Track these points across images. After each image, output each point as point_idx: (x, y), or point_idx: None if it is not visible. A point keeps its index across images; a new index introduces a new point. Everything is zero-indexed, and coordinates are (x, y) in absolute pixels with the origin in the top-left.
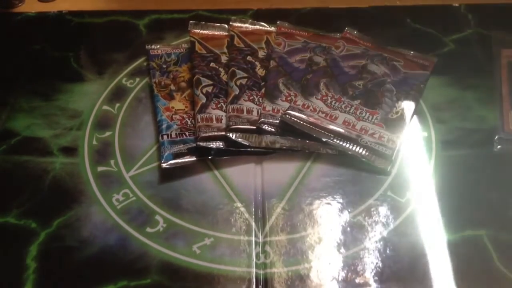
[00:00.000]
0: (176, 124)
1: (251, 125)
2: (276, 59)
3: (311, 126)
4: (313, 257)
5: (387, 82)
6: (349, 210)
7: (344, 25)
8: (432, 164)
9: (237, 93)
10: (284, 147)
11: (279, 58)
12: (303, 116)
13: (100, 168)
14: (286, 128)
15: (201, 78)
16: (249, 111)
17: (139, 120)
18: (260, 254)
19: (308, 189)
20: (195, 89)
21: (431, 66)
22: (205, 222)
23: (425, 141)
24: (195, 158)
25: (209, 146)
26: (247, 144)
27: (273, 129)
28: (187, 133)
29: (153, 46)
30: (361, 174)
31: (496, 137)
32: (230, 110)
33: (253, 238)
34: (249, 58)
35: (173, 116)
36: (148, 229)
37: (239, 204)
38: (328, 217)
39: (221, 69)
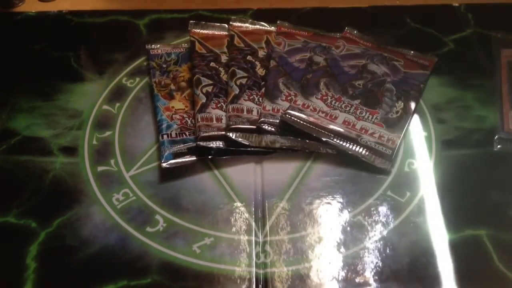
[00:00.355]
0: (176, 124)
1: (251, 124)
2: (276, 59)
3: (311, 126)
4: (313, 256)
5: (387, 81)
6: (349, 209)
7: (344, 25)
8: (432, 163)
9: (237, 92)
10: (284, 147)
11: (279, 58)
12: (303, 116)
13: (100, 168)
14: (286, 127)
15: (201, 78)
16: (249, 111)
17: (139, 120)
18: (260, 254)
19: (308, 188)
20: (195, 88)
21: (431, 66)
22: (205, 222)
23: (425, 141)
24: (195, 158)
25: (209, 145)
26: (247, 143)
27: (273, 129)
28: (187, 133)
29: (153, 46)
30: (361, 173)
31: (496, 137)
32: (230, 110)
33: (253, 238)
34: (249, 57)
35: (173, 115)
36: (148, 229)
37: (239, 204)
38: (328, 216)
39: (221, 69)
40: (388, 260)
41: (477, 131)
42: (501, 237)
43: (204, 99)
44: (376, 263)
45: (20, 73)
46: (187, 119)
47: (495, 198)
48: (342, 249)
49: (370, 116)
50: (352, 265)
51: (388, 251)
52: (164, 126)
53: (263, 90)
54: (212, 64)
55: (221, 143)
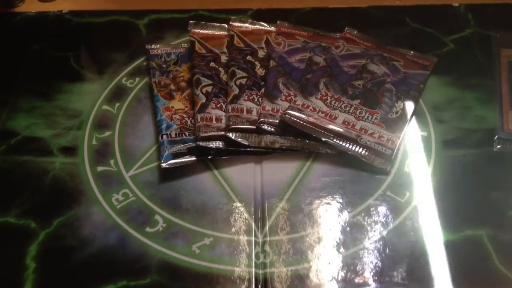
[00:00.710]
0: (176, 124)
1: (250, 125)
2: (276, 59)
3: (310, 126)
4: (312, 256)
5: (386, 82)
6: (349, 210)
7: (344, 25)
8: (432, 164)
9: (236, 93)
10: (284, 147)
11: (279, 58)
12: (303, 116)
13: (99, 168)
14: (286, 128)
15: (201, 78)
16: (249, 111)
17: (139, 120)
18: (260, 254)
19: (308, 189)
20: (195, 88)
21: (431, 66)
22: (204, 222)
23: (424, 141)
24: (194, 158)
25: (209, 146)
26: (247, 144)
27: (272, 129)
28: (186, 133)
29: (153, 46)
30: (361, 174)
31: (496, 137)
32: (229, 110)
33: (253, 238)
34: (249, 58)
35: (173, 115)
36: (148, 229)
37: (238, 204)
38: (327, 217)
39: (221, 69)
40: (387, 260)
41: (477, 131)
42: (501, 237)
43: (203, 99)
44: (376, 263)
45: (20, 73)
46: (186, 119)
47: (495, 198)
48: (342, 249)
49: (370, 116)
50: (351, 265)
51: (387, 251)
52: (163, 126)
53: (262, 90)
54: (212, 64)
55: (220, 143)
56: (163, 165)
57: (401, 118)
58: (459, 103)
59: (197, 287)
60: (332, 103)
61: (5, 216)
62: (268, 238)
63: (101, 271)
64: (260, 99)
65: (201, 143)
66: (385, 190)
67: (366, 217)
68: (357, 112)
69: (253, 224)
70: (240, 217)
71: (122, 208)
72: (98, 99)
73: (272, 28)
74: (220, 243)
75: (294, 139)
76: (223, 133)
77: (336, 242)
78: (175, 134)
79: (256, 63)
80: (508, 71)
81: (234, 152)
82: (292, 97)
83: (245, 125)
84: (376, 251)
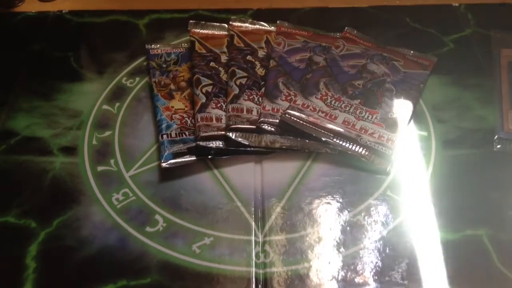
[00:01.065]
0: (176, 124)
1: (251, 124)
2: (276, 59)
3: (310, 126)
4: (312, 256)
5: (386, 81)
6: (349, 209)
7: (344, 25)
8: (432, 163)
9: (237, 92)
10: (284, 147)
11: (279, 58)
12: (303, 116)
13: (100, 168)
14: (286, 127)
15: (201, 78)
16: (249, 111)
17: (139, 120)
18: (260, 254)
19: (308, 188)
20: (195, 88)
21: (431, 65)
22: (204, 222)
23: (424, 140)
24: (195, 158)
25: (209, 145)
26: (247, 143)
27: (273, 129)
28: (187, 133)
29: (153, 45)
30: (361, 173)
31: (496, 137)
32: (230, 110)
33: (253, 238)
34: (249, 57)
35: (173, 115)
36: (148, 229)
37: (238, 204)
38: (327, 216)
39: (221, 69)
40: (387, 260)
41: (477, 131)
42: (501, 237)
43: (204, 99)
44: (376, 263)
45: (20, 73)
46: (186, 119)
47: (495, 198)
48: (342, 249)
49: (370, 116)
50: (351, 265)
51: (387, 251)
52: (163, 126)
53: (263, 90)
54: (212, 64)
55: (220, 143)
56: (163, 164)
57: (401, 118)
58: (459, 103)
59: (197, 287)
60: (332, 103)
61: (5, 216)
62: (268, 238)
63: (101, 271)
64: (260, 98)
65: (201, 143)
66: (385, 190)
67: (366, 217)
68: (357, 112)
69: (253, 224)
70: (240, 217)
71: (122, 208)
72: (98, 99)
73: (272, 28)
74: (220, 243)
75: (294, 139)
76: (223, 133)
77: (336, 242)
78: (175, 134)
79: (256, 63)
80: (508, 71)
81: (234, 152)
82: (292, 97)
83: (245, 125)
84: (376, 251)
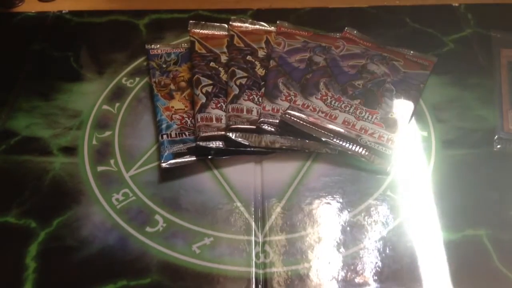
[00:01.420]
0: (176, 124)
1: (251, 124)
2: (276, 59)
3: (310, 126)
4: (312, 256)
5: (386, 81)
6: (349, 209)
7: (344, 25)
8: (432, 163)
9: (237, 92)
10: (284, 147)
11: (279, 58)
12: (303, 116)
13: (100, 168)
14: (286, 127)
15: (201, 78)
16: (249, 111)
17: (139, 120)
18: (260, 254)
19: (308, 188)
20: (195, 88)
21: (431, 65)
22: (204, 222)
23: (424, 140)
24: (195, 158)
25: (209, 145)
26: (247, 143)
27: (272, 129)
28: (186, 133)
29: (153, 45)
30: (361, 173)
31: (496, 136)
32: (230, 110)
33: (253, 238)
34: (249, 57)
35: (173, 115)
36: (148, 229)
37: (238, 204)
38: (327, 216)
39: (221, 69)
40: (387, 260)
41: (477, 131)
42: (501, 237)
43: (203, 99)
44: (376, 263)
45: (20, 73)
46: (186, 119)
47: (495, 198)
48: (342, 249)
49: (370, 116)
50: (351, 265)
51: (387, 251)
52: (163, 126)
53: (262, 90)
54: (212, 64)
55: (220, 143)
56: (163, 165)
57: (401, 118)
58: (459, 103)
59: (197, 287)
60: (332, 103)
61: (5, 216)
62: (268, 238)
63: (101, 271)
64: (260, 99)
65: (201, 143)
66: (385, 190)
67: (366, 217)
68: (357, 112)
69: (253, 224)
70: (240, 217)
71: (122, 208)
72: (98, 99)
73: (272, 28)
74: (220, 243)
75: (294, 139)
76: (223, 133)
77: (336, 242)
78: (175, 134)
79: (256, 63)
80: (508, 71)
81: (234, 152)
82: (292, 97)
83: (245, 125)
84: (376, 251)
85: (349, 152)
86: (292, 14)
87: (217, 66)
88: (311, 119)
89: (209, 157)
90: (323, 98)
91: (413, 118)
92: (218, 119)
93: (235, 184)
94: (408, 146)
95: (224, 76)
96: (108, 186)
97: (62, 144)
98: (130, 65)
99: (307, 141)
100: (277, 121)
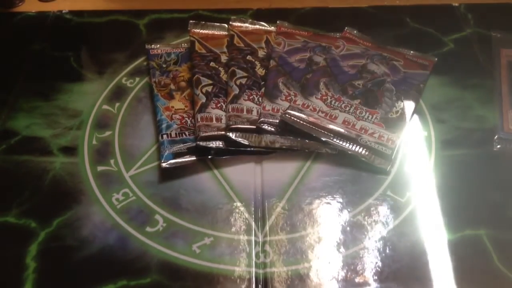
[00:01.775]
0: (176, 124)
1: (251, 124)
2: (276, 59)
3: (310, 126)
4: (312, 256)
5: (386, 81)
6: (349, 209)
7: (344, 25)
8: (432, 163)
9: (237, 92)
10: (284, 147)
11: (279, 58)
12: (303, 116)
13: (100, 168)
14: (286, 127)
15: (201, 78)
16: (249, 111)
17: (139, 120)
18: (260, 254)
19: (308, 188)
20: (195, 88)
21: (431, 65)
22: (204, 222)
23: (424, 140)
24: (195, 158)
25: (209, 145)
26: (247, 143)
27: (273, 129)
28: (187, 133)
29: (153, 45)
30: (361, 173)
31: (496, 136)
32: (230, 110)
33: (253, 238)
34: (249, 57)
35: (173, 115)
36: (148, 229)
37: (238, 204)
38: (327, 216)
39: (221, 69)
40: (388, 260)
41: (477, 131)
42: (501, 237)
43: (204, 99)
44: (376, 263)
45: (20, 73)
46: (187, 119)
47: (495, 198)
48: (342, 249)
49: (370, 116)
50: (351, 265)
51: (388, 251)
52: (164, 126)
53: (262, 90)
54: (212, 64)
55: (220, 143)
56: (163, 164)
57: (401, 118)
58: (459, 103)
59: (197, 287)
60: (332, 103)
61: (5, 216)
62: (268, 238)
63: (101, 270)
64: (260, 99)
65: (201, 143)
66: (385, 190)
67: (366, 217)
68: (357, 112)
69: (253, 224)
70: (240, 217)
71: (122, 208)
72: (98, 99)
73: (272, 28)
74: (220, 242)
75: (294, 139)
76: (223, 133)
77: (336, 241)
78: (175, 134)
79: (256, 63)
80: (508, 71)
81: (234, 152)
82: (292, 97)
83: (245, 125)
84: (376, 251)
85: (349, 152)
86: (292, 14)
87: (217, 66)
88: (311, 119)
89: (209, 157)
90: (323, 98)
91: (413, 118)
92: (218, 119)
93: (235, 184)
94: (408, 146)
95: (224, 76)
96: (108, 186)
97: (62, 144)
98: (130, 65)
99: (307, 141)
100: (277, 121)
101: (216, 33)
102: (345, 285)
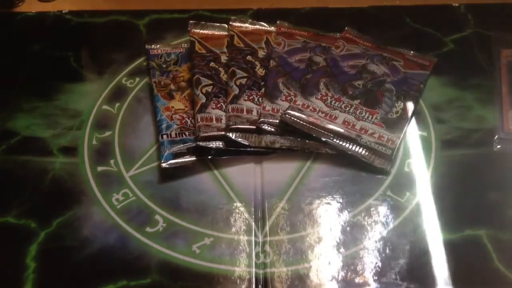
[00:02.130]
0: (176, 124)
1: (251, 124)
2: (276, 59)
3: (310, 126)
4: (312, 256)
5: (386, 82)
6: (349, 209)
7: (344, 25)
8: (432, 163)
9: (237, 92)
10: (284, 147)
11: (279, 58)
12: (303, 116)
13: (100, 168)
14: (286, 128)
15: (201, 78)
16: (249, 111)
17: (139, 120)
18: (260, 254)
19: (308, 188)
20: (195, 88)
21: (431, 66)
22: (204, 222)
23: (424, 141)
24: (195, 158)
25: (209, 146)
26: (247, 144)
27: (272, 129)
28: (187, 133)
29: (153, 45)
30: (361, 174)
31: (496, 137)
32: (230, 110)
33: (253, 238)
34: (249, 58)
35: (173, 115)
36: (148, 229)
37: (238, 204)
38: (327, 216)
39: (221, 69)
40: (387, 260)
41: (477, 131)
42: (501, 237)
43: (203, 99)
44: (376, 263)
45: (20, 73)
46: (186, 119)
47: (495, 198)
48: (342, 249)
49: (370, 116)
50: (351, 265)
51: (387, 251)
52: (163, 126)
53: (262, 90)
54: (212, 64)
55: (220, 143)
56: (163, 165)
57: (401, 118)
58: (459, 103)
59: (197, 287)
60: (332, 103)
61: (5, 216)
62: (268, 238)
63: (101, 271)
64: (260, 99)
65: (201, 143)
66: (385, 190)
67: (366, 217)
68: (357, 112)
69: (253, 224)
70: (240, 217)
71: (122, 208)
72: (98, 99)
73: (272, 28)
74: (220, 243)
75: (294, 139)
76: (223, 133)
77: (336, 242)
78: (175, 134)
79: (256, 63)
80: (508, 71)
81: (234, 152)
82: (292, 97)
83: (245, 125)
84: (376, 251)
85: (349, 152)
86: (292, 14)
87: (217, 66)
88: (311, 119)
89: (209, 157)
90: (323, 98)
91: (413, 118)
92: (218, 119)
93: (235, 184)
94: (408, 146)
95: (224, 76)
96: (108, 186)
97: (62, 144)
98: (130, 65)
99: (307, 141)
100: (277, 121)
101: (216, 33)
102: (345, 285)
